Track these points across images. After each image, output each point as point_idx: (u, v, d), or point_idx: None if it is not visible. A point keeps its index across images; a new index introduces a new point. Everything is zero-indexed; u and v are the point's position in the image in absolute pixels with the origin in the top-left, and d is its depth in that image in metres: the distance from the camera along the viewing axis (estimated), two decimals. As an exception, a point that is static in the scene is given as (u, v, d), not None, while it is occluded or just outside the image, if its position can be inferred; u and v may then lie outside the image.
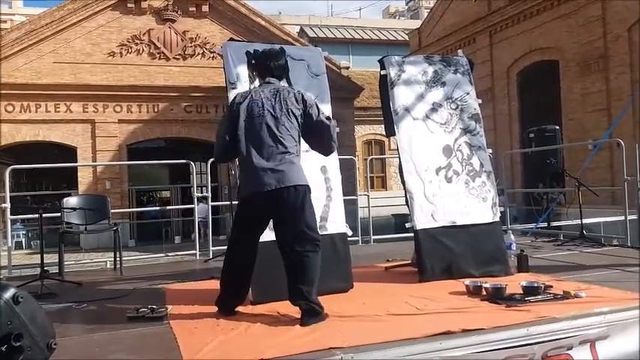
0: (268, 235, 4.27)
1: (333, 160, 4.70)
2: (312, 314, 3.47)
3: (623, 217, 7.23)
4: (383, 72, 5.23)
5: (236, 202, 3.99)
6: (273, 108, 3.63)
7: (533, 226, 9.57)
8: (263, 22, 20.87)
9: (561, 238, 7.50)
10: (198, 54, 20.37)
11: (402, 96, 5.16)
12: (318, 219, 4.47)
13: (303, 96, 3.73)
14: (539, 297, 3.82)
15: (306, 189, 3.63)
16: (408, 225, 5.10)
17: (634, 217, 7.08)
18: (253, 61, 4.20)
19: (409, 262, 5.37)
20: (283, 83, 3.99)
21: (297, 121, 3.68)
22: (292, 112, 3.65)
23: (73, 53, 19.08)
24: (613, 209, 9.98)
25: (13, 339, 2.36)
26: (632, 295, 3.81)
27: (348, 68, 23.39)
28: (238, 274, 3.77)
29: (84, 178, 19.14)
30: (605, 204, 11.40)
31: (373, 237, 8.23)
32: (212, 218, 7.59)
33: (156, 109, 19.98)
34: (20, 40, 18.32)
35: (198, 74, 20.18)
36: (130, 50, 19.70)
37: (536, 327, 3.22)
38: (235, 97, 3.87)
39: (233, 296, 3.83)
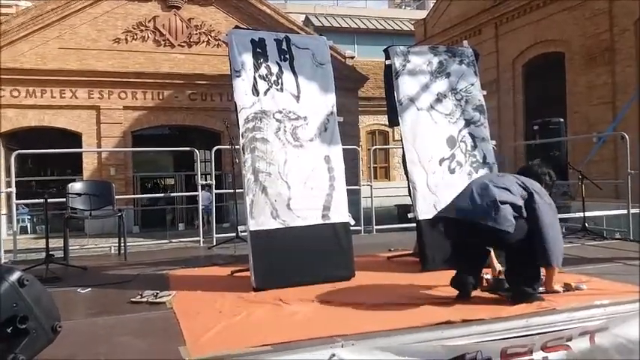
0: (271, 223, 4.31)
1: (336, 150, 4.72)
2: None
3: (625, 211, 7.24)
4: (388, 62, 5.23)
5: (240, 190, 4.01)
6: None
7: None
8: (268, 11, 20.77)
9: (563, 231, 7.49)
10: (204, 41, 20.30)
11: (406, 86, 5.16)
12: (321, 208, 4.52)
13: None
14: (540, 288, 3.83)
15: None
16: (410, 215, 5.12)
17: (637, 210, 7.09)
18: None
19: (411, 252, 5.39)
20: None
21: None
22: None
23: (78, 39, 19.04)
24: (616, 202, 9.96)
25: (19, 321, 2.39)
26: (632, 288, 3.82)
27: (353, 58, 23.28)
28: None
29: (88, 164, 19.17)
30: (608, 197, 11.38)
31: (376, 227, 8.26)
32: (216, 206, 7.62)
33: (161, 97, 19.96)
34: (26, 26, 18.28)
35: (203, 62, 20.12)
36: (135, 37, 19.65)
37: (536, 318, 3.24)
38: None
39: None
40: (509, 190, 3.57)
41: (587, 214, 7.21)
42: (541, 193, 3.65)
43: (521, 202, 3.56)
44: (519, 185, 3.64)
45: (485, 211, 3.50)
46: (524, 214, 3.56)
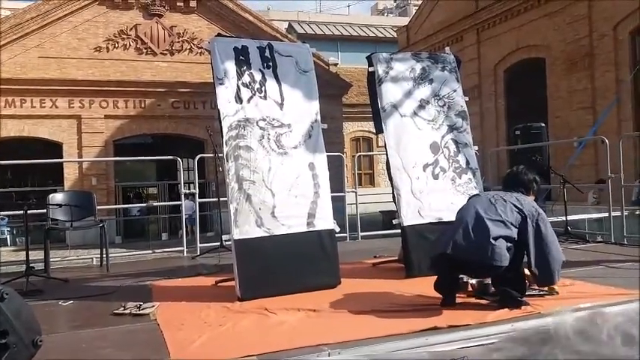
0: (256, 231, 4.29)
1: (321, 157, 4.72)
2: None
3: (607, 214, 7.31)
4: (371, 69, 5.24)
5: (224, 199, 3.99)
6: None
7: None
8: (251, 18, 20.77)
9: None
10: (186, 49, 20.23)
11: (389, 93, 5.18)
12: (305, 215, 4.51)
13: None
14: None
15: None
16: (395, 221, 5.12)
17: (618, 213, 7.16)
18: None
19: (396, 258, 5.39)
20: None
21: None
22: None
23: (58, 48, 18.87)
24: (597, 206, 10.08)
25: (-1, 336, 2.34)
26: (615, 291, 3.87)
27: (336, 65, 23.37)
28: None
29: (70, 174, 18.96)
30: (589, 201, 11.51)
31: (361, 233, 8.26)
32: (199, 215, 7.56)
33: (143, 105, 19.83)
34: (5, 34, 18.08)
35: (185, 70, 20.04)
36: (116, 45, 19.53)
37: (522, 322, 3.25)
38: None
39: None
40: (503, 223, 3.58)
41: (569, 217, 7.27)
42: (532, 210, 3.66)
43: (515, 234, 3.59)
44: (515, 210, 3.63)
45: (480, 250, 3.52)
46: (516, 238, 3.60)
